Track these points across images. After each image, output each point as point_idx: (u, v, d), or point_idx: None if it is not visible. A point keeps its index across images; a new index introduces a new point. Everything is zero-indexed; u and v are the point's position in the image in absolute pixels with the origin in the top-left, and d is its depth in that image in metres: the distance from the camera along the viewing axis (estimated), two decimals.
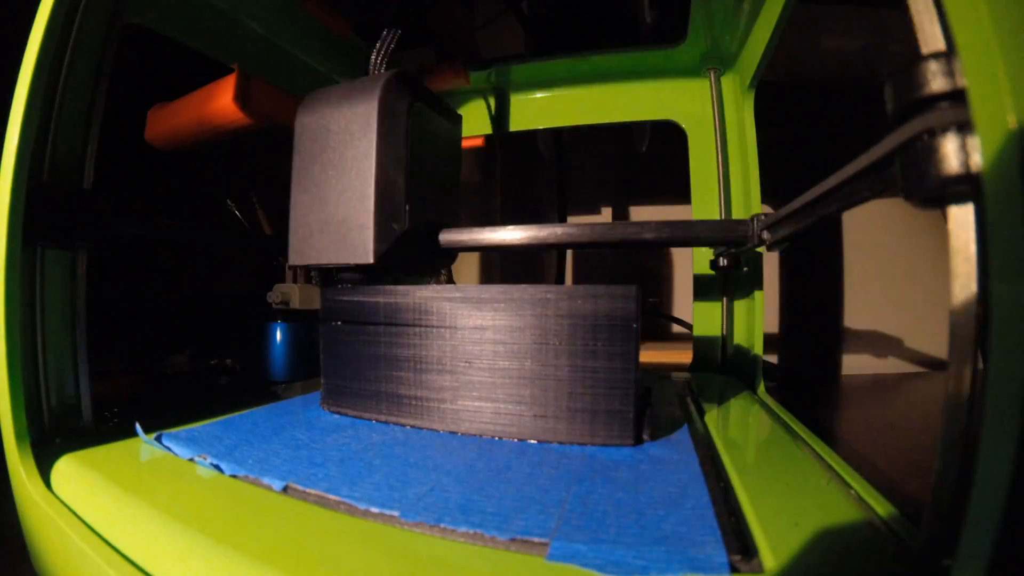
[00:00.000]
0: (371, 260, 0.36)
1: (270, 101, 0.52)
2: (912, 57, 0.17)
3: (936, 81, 0.16)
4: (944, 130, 0.16)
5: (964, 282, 0.16)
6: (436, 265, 0.47)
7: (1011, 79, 0.14)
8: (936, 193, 0.17)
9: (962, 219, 0.16)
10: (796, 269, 0.92)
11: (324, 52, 0.60)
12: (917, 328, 0.91)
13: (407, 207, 0.39)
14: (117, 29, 0.35)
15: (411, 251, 0.40)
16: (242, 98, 0.49)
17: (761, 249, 0.43)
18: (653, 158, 0.90)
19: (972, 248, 0.16)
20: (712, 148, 0.59)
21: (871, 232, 0.91)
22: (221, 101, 0.50)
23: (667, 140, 0.68)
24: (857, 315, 0.92)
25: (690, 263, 0.60)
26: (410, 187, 0.39)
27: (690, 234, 0.41)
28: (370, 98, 0.37)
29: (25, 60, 0.31)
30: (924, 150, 0.17)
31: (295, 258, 0.40)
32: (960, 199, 0.16)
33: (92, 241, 0.34)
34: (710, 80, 0.59)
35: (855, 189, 0.25)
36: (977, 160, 0.15)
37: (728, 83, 0.59)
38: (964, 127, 0.16)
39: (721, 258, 0.54)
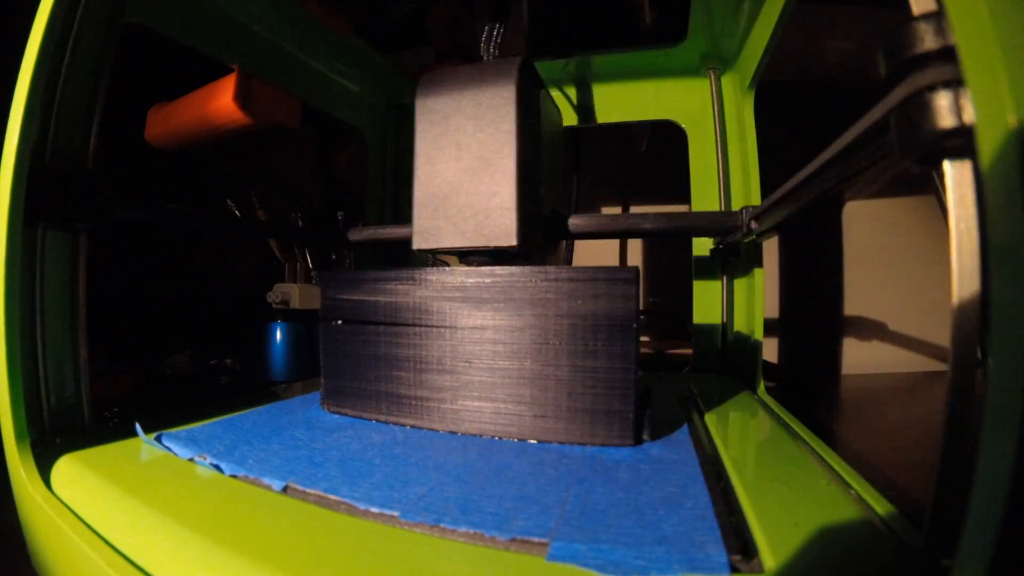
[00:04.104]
0: (515, 243, 0.35)
1: (270, 101, 0.53)
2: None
3: (927, 40, 0.17)
4: (936, 87, 0.16)
5: (963, 252, 0.16)
6: (548, 251, 0.47)
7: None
8: (932, 149, 0.17)
9: (958, 175, 0.16)
10: (796, 268, 0.92)
11: (324, 52, 0.60)
12: (918, 328, 0.91)
13: (542, 191, 0.39)
14: (119, 20, 0.35)
15: (540, 236, 0.40)
16: (242, 98, 0.49)
17: (751, 238, 0.45)
18: (653, 158, 0.90)
19: (970, 205, 0.16)
20: (712, 148, 0.59)
21: (873, 230, 0.91)
22: (221, 101, 0.50)
23: (667, 140, 0.68)
24: (858, 314, 0.92)
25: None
26: (541, 171, 0.40)
27: (684, 224, 0.46)
28: (507, 81, 0.37)
29: (28, 49, 0.31)
30: (918, 108, 0.17)
31: (423, 242, 0.39)
32: (955, 154, 0.16)
33: (93, 223, 0.34)
34: (710, 80, 0.59)
35: (851, 162, 0.25)
36: (970, 114, 0.15)
37: (728, 83, 0.59)
38: (956, 83, 0.16)
39: (720, 245, 0.55)
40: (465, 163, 0.37)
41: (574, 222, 0.45)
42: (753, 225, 0.42)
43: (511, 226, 0.36)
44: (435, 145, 0.38)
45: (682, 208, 0.62)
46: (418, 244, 0.39)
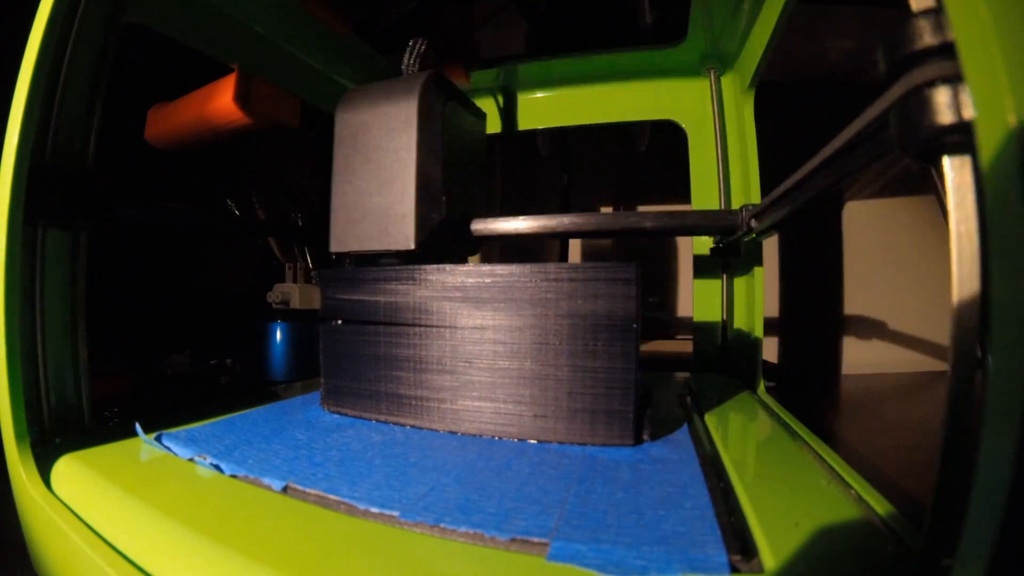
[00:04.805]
0: (412, 247, 0.39)
1: (270, 101, 0.52)
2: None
3: (926, 36, 0.17)
4: (936, 83, 0.16)
5: (963, 249, 0.16)
6: (466, 252, 0.51)
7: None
8: (931, 145, 0.17)
9: (957, 172, 0.16)
10: (797, 267, 0.92)
11: (324, 52, 0.60)
12: (919, 328, 0.91)
13: (444, 198, 0.42)
14: (119, 20, 0.35)
15: (446, 238, 0.44)
16: (242, 98, 0.49)
17: (751, 237, 0.45)
18: (653, 158, 0.90)
19: (969, 202, 0.16)
20: (712, 148, 0.59)
21: (873, 231, 0.91)
22: (221, 101, 0.50)
23: (667, 140, 0.68)
24: (858, 314, 0.92)
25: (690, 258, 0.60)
26: (446, 180, 0.43)
27: (684, 223, 0.46)
28: (410, 97, 0.40)
29: (28, 49, 0.31)
30: (917, 104, 0.17)
31: (337, 245, 0.43)
32: (954, 150, 0.16)
33: (93, 221, 0.34)
34: (710, 80, 0.59)
35: (851, 158, 0.25)
36: (970, 110, 0.15)
37: (728, 83, 0.59)
38: (955, 79, 0.16)
39: (720, 244, 0.55)
40: (374, 174, 0.41)
41: (476, 226, 0.47)
42: (753, 224, 0.42)
43: (409, 232, 0.40)
44: (350, 158, 0.42)
45: (683, 208, 0.61)
46: (334, 247, 0.43)
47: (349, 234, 0.42)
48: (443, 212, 0.42)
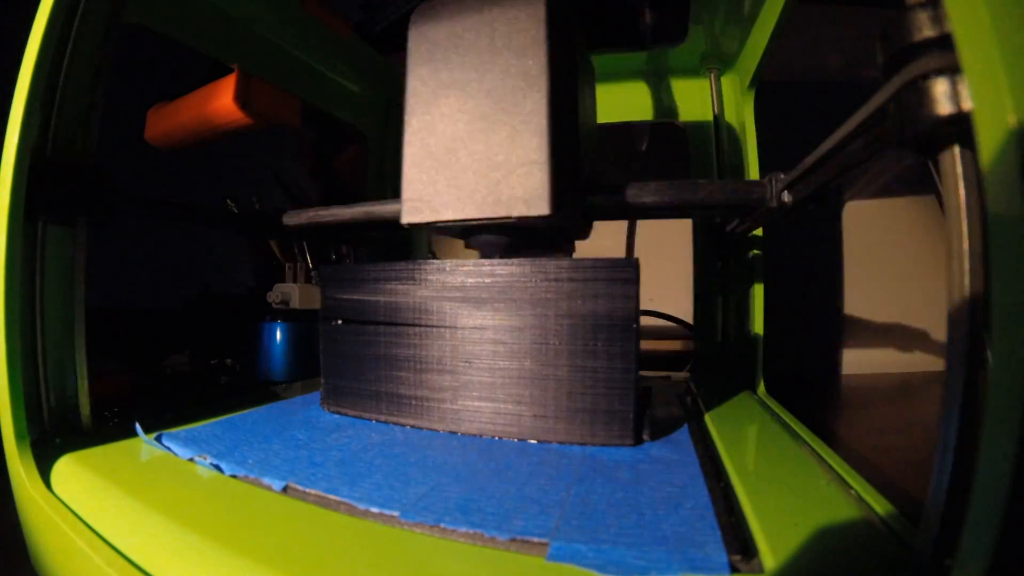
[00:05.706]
0: (547, 211, 0.28)
1: (270, 101, 0.53)
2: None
3: (924, 28, 0.17)
4: (934, 74, 0.17)
5: (962, 242, 0.16)
6: (576, 237, 0.38)
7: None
8: (930, 136, 0.17)
9: (956, 162, 0.16)
10: (797, 265, 0.92)
11: (324, 52, 0.60)
12: (918, 328, 0.91)
13: (580, 149, 0.31)
14: (119, 20, 0.35)
15: (571, 210, 0.32)
16: (242, 98, 0.49)
17: (783, 210, 0.36)
18: (653, 158, 0.90)
19: (968, 191, 0.16)
20: (712, 148, 0.59)
21: (873, 230, 0.91)
22: (221, 101, 0.50)
23: (667, 140, 0.67)
24: (857, 314, 0.92)
25: (689, 257, 0.60)
26: (581, 126, 0.31)
27: (696, 197, 0.36)
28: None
29: (28, 49, 0.31)
30: (915, 95, 0.17)
31: (415, 214, 0.30)
32: (953, 141, 0.16)
33: (93, 217, 0.34)
34: (710, 80, 0.59)
35: (849, 154, 0.25)
36: (968, 101, 0.15)
37: (728, 83, 0.59)
38: (953, 70, 0.16)
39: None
40: (475, 107, 0.29)
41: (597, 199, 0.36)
42: (786, 197, 0.34)
43: (541, 188, 0.27)
44: (433, 86, 0.30)
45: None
46: (409, 217, 0.30)
47: (435, 197, 0.29)
48: (580, 169, 0.31)
